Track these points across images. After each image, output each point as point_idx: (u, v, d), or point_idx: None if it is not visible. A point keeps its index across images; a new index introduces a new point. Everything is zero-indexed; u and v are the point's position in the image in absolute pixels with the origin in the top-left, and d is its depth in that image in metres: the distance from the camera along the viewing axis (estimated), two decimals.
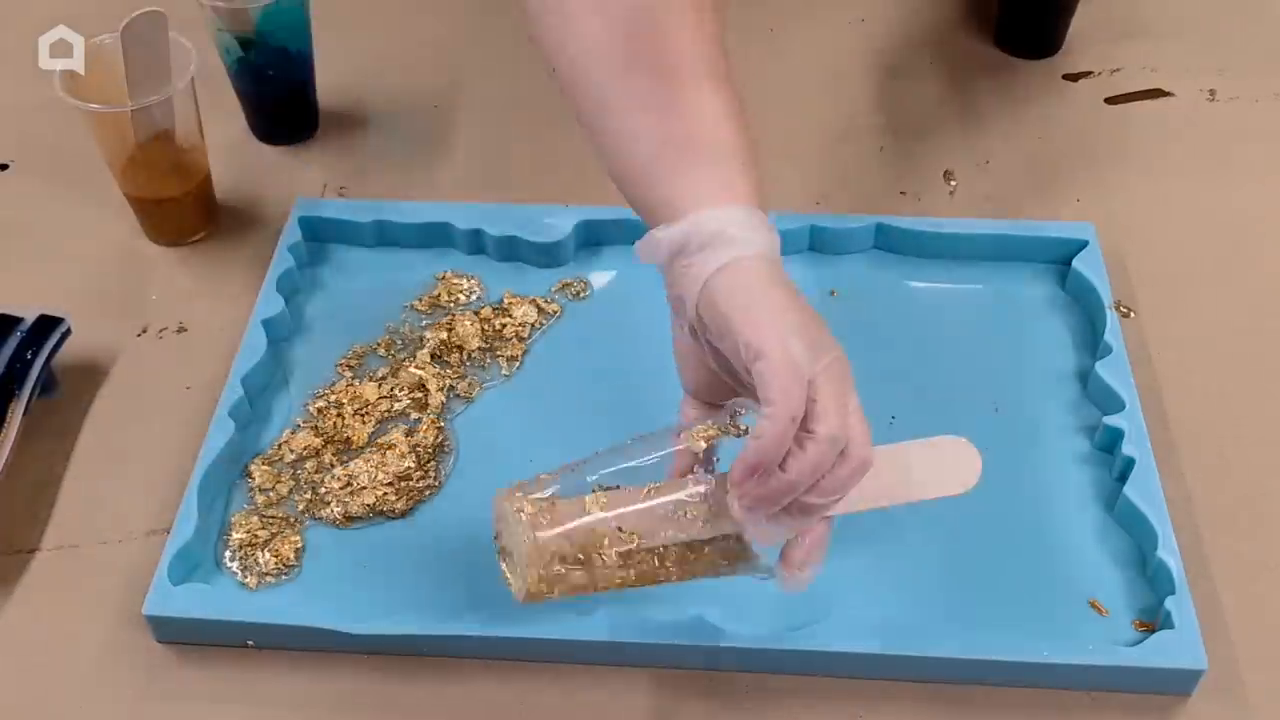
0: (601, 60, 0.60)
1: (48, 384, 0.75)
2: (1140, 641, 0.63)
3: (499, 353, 0.78)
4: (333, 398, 0.76)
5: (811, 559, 0.57)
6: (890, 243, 0.83)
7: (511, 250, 0.83)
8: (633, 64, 0.59)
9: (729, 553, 0.58)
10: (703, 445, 0.58)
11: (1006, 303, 0.81)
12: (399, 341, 0.79)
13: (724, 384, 0.59)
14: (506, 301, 0.81)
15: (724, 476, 0.57)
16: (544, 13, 0.62)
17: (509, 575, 0.59)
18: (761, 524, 0.55)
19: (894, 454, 0.59)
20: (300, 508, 0.71)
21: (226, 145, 0.91)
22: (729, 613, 0.66)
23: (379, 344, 0.79)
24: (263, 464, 0.73)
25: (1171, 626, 0.63)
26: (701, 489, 0.58)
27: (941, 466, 0.60)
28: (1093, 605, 0.66)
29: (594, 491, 0.58)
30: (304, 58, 0.90)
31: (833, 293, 0.81)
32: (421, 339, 0.79)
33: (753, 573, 0.58)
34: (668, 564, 0.57)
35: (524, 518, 0.57)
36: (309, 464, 0.73)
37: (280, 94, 0.91)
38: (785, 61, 1.00)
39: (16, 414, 0.71)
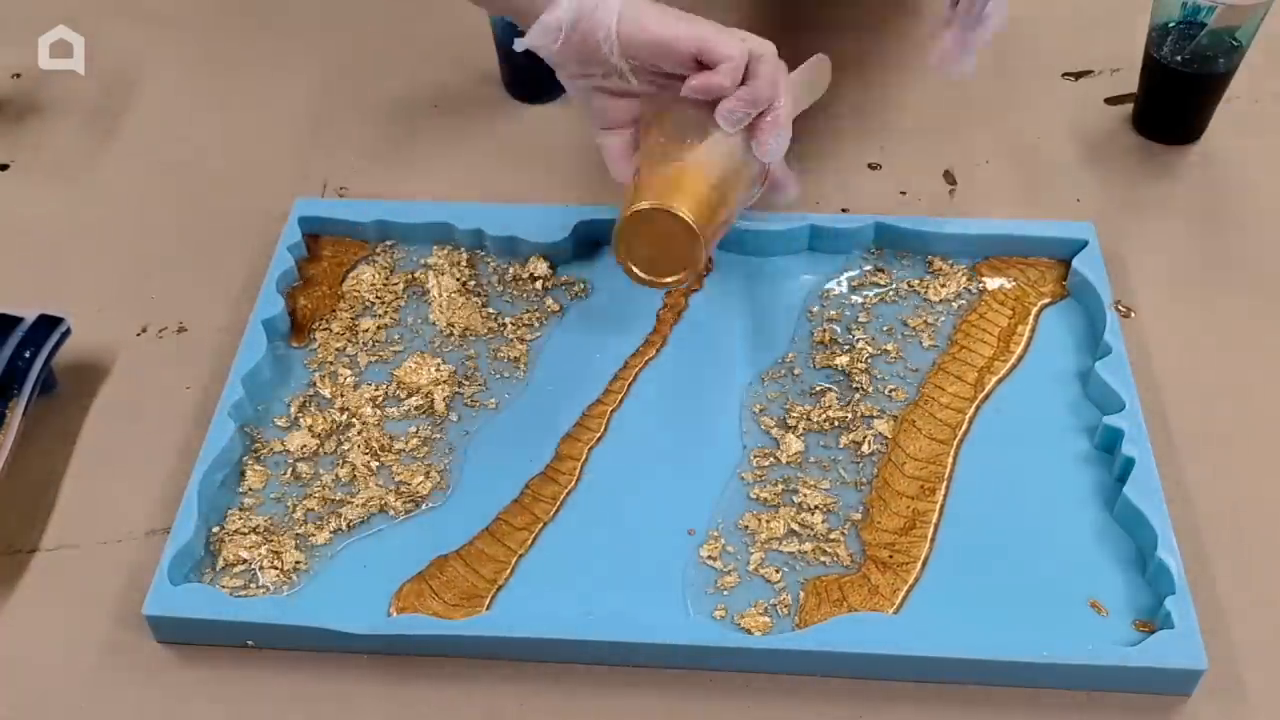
0: None
1: (48, 384, 0.75)
2: (1140, 641, 0.63)
3: (500, 353, 0.78)
4: (333, 398, 0.76)
5: (770, 131, 0.70)
6: (890, 242, 0.83)
7: (511, 250, 0.83)
8: None
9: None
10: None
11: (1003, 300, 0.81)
12: (387, 337, 0.79)
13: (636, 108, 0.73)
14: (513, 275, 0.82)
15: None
16: None
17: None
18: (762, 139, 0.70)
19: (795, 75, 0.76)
20: (300, 508, 0.71)
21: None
22: (729, 613, 0.66)
23: (361, 331, 0.79)
24: (263, 464, 0.73)
25: (1171, 626, 0.63)
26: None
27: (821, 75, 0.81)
28: (1093, 605, 0.66)
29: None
30: None
31: (829, 292, 0.81)
32: (419, 328, 0.79)
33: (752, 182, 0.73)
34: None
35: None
36: (309, 464, 0.73)
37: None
38: (784, 61, 1.00)
39: (16, 414, 0.71)
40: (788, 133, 0.71)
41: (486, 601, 0.67)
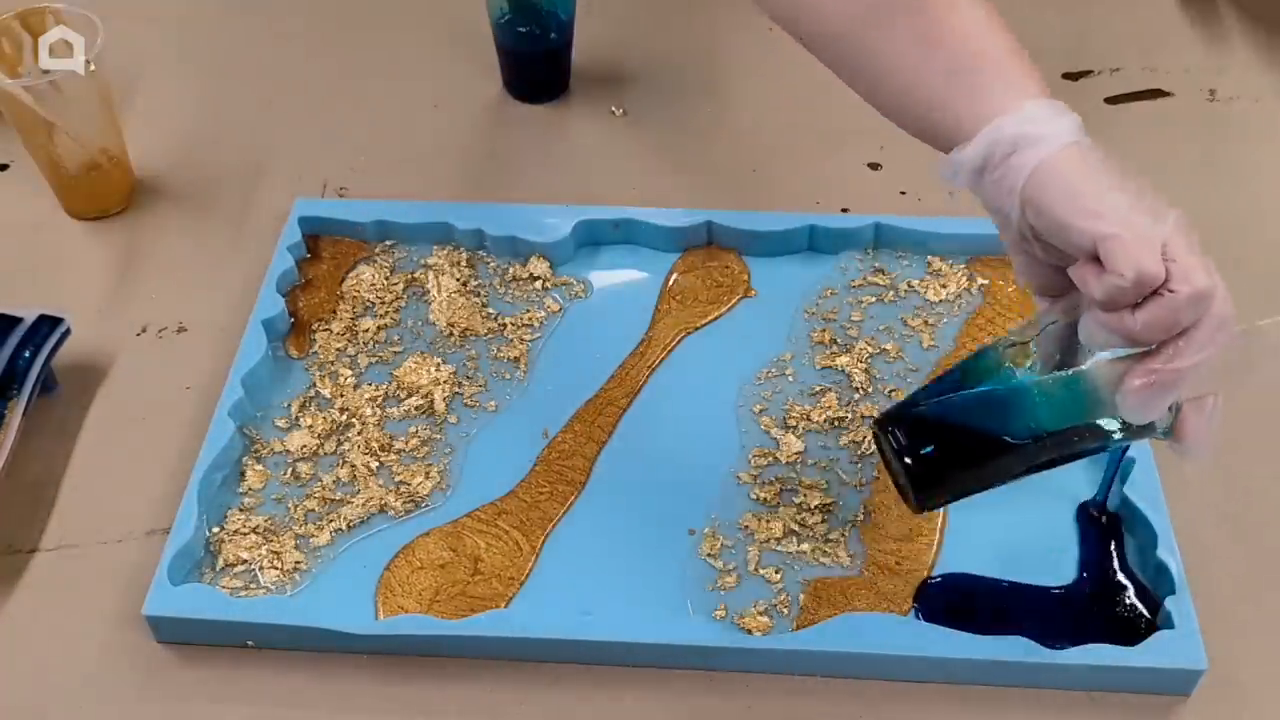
0: (854, 17, 0.60)
1: (48, 384, 0.75)
2: (1140, 641, 0.63)
3: (500, 353, 0.78)
4: (333, 399, 0.76)
5: (1195, 435, 0.55)
6: (890, 242, 0.83)
7: (511, 250, 0.83)
8: (886, 9, 0.59)
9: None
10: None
11: (1007, 303, 0.81)
12: (387, 338, 0.79)
13: (1064, 278, 0.56)
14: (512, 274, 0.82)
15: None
16: None
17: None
18: (1130, 398, 0.53)
19: (1267, 331, 0.57)
20: (300, 508, 0.71)
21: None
22: (728, 613, 0.66)
23: (361, 332, 0.79)
24: (263, 464, 0.73)
25: (1171, 626, 0.63)
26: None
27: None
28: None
29: None
30: (567, 21, 0.93)
31: (829, 292, 0.81)
32: (418, 331, 0.79)
33: (1141, 437, 0.57)
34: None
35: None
36: (309, 464, 0.73)
37: (539, 53, 0.94)
38: (785, 61, 1.00)
39: (16, 414, 0.71)
40: (1206, 429, 0.55)
41: (488, 603, 0.67)
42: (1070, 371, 0.56)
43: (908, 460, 0.58)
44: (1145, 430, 0.56)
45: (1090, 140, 0.56)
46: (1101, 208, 0.52)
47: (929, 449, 0.58)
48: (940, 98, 0.58)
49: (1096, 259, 0.52)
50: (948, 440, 0.58)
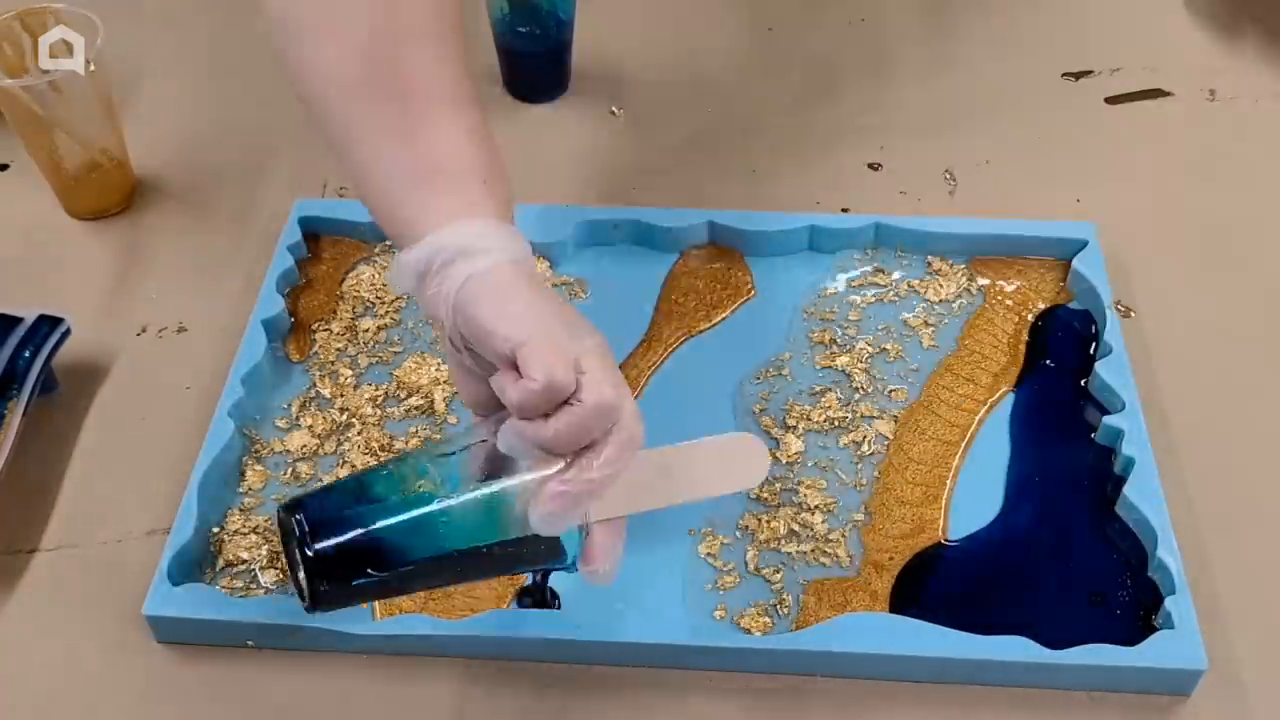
0: (342, 88, 0.60)
1: (48, 384, 0.75)
2: (1140, 641, 0.63)
3: None
4: (333, 398, 0.76)
5: (603, 557, 0.57)
6: (890, 242, 0.83)
7: None
8: (373, 91, 0.59)
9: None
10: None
11: (1007, 303, 0.81)
12: (387, 338, 0.79)
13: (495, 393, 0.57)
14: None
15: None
16: (285, 43, 0.62)
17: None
18: (540, 508, 0.55)
19: (670, 455, 0.59)
20: None
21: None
22: (728, 613, 0.66)
23: (361, 332, 0.79)
24: (263, 464, 0.73)
25: (1171, 626, 0.63)
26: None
27: (724, 464, 0.60)
28: (1093, 605, 0.66)
29: None
30: (567, 21, 0.93)
31: (829, 292, 0.81)
32: (418, 333, 0.79)
33: (555, 566, 0.59)
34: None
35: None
36: (309, 464, 0.73)
37: (539, 54, 0.94)
38: (785, 61, 1.00)
39: (16, 414, 0.71)
40: (612, 554, 0.57)
41: (488, 603, 0.67)
42: (483, 491, 0.56)
43: (308, 552, 0.55)
44: (556, 560, 0.57)
45: (534, 264, 0.58)
46: (524, 315, 0.54)
47: (330, 548, 0.55)
48: (402, 196, 0.58)
49: (516, 368, 0.53)
50: (353, 545, 0.55)
